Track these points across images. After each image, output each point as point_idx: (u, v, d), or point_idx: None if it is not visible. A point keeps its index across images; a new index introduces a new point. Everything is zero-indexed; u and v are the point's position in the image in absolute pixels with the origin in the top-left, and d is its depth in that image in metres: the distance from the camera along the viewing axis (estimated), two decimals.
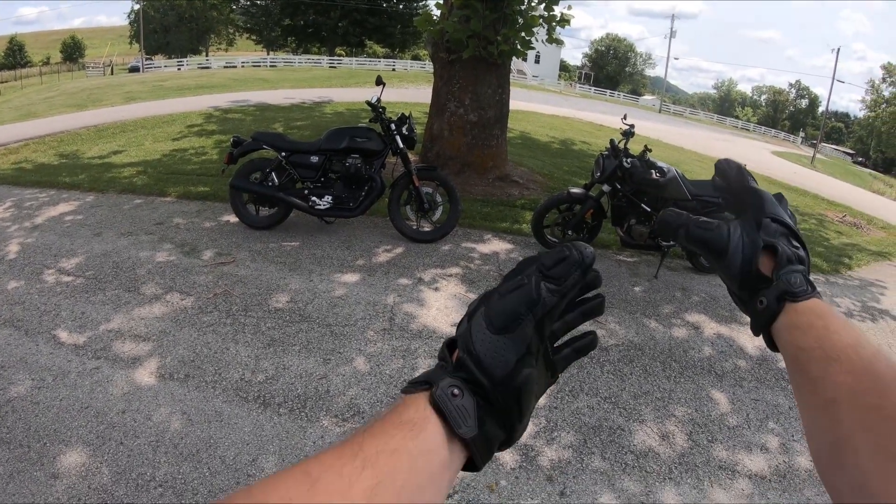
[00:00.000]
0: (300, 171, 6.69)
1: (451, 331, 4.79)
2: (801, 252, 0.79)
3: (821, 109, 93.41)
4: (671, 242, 6.45)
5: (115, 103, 22.21)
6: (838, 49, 57.64)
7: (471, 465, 0.58)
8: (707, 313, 5.89)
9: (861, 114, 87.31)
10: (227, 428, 3.62)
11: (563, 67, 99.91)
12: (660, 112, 59.95)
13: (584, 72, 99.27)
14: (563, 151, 15.08)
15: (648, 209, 6.51)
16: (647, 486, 3.46)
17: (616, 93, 78.13)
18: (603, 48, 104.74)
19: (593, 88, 77.20)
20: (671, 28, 68.23)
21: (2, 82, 54.43)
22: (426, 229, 6.97)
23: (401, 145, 6.68)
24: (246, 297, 5.29)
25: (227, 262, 6.02)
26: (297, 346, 4.54)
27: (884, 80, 78.98)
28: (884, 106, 77.14)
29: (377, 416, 0.54)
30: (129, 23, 73.96)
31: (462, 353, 0.60)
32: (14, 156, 12.25)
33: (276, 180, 6.66)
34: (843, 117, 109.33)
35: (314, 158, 6.66)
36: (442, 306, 5.36)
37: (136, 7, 67.23)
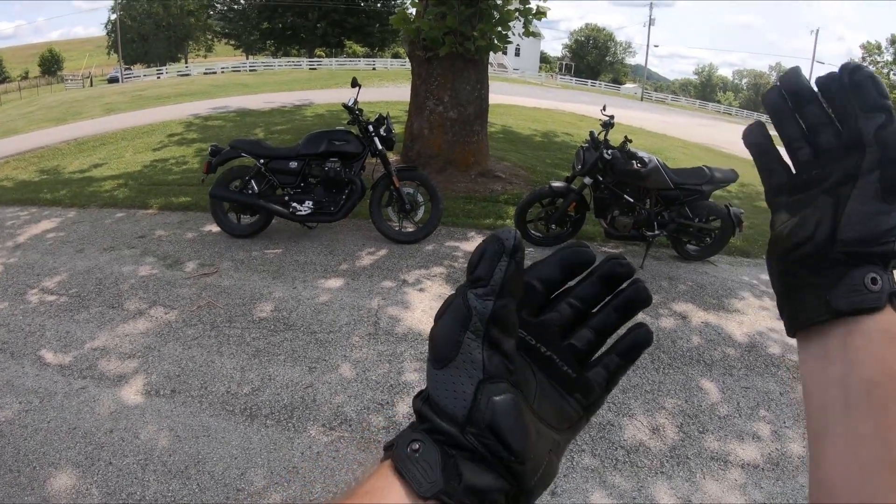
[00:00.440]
0: (280, 178, 6.66)
1: None
2: None
3: None
4: (656, 232, 6.47)
5: (95, 115, 22.08)
6: (817, 30, 58.20)
7: None
8: (694, 302, 5.89)
9: None
10: (215, 442, 3.60)
11: (544, 59, 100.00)
12: (642, 100, 60.09)
13: (564, 63, 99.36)
14: (546, 144, 15.06)
15: (631, 200, 6.51)
16: (639, 481, 3.46)
17: (597, 82, 78.21)
18: (583, 38, 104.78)
19: (574, 79, 77.29)
20: (650, 16, 68.45)
21: None
22: (409, 230, 6.95)
23: (379, 146, 6.65)
24: (230, 307, 5.26)
25: (210, 272, 5.99)
26: (282, 356, 4.52)
27: (863, 59, 79.41)
28: None
29: (348, 489, 0.49)
30: (107, 33, 73.53)
31: (419, 403, 0.50)
32: None
33: (256, 188, 6.63)
34: None
35: (293, 164, 6.64)
36: (427, 307, 5.34)
37: (113, 17, 66.93)
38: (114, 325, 5.01)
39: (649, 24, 68.15)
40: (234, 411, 3.89)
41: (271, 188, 6.71)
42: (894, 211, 0.52)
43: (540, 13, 9.32)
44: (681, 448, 3.76)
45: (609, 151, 6.40)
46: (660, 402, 4.23)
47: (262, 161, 6.62)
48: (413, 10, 9.57)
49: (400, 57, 64.75)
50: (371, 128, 6.67)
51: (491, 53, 9.42)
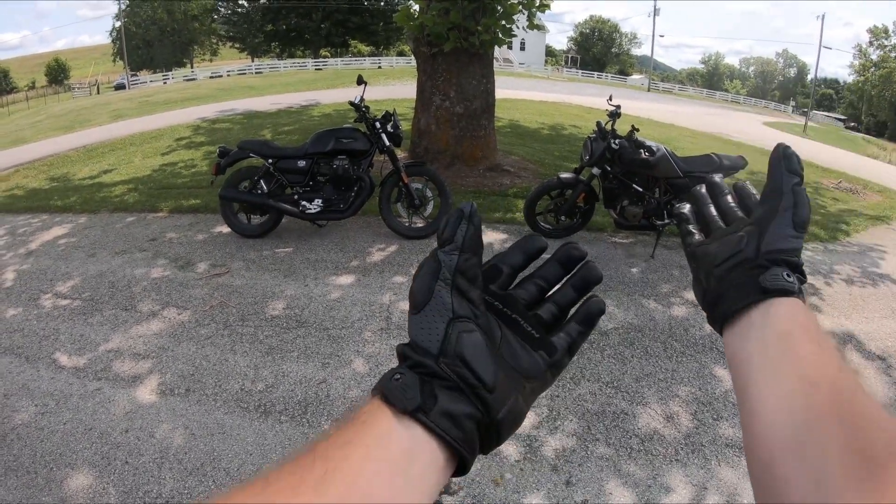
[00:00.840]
0: (288, 177, 6.67)
1: None
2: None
3: (810, 77, 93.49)
4: (666, 221, 6.45)
5: (103, 122, 22.17)
6: (823, 16, 57.91)
7: (461, 462, 0.53)
8: None
9: (850, 79, 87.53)
10: (230, 440, 3.62)
11: (550, 53, 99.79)
12: (648, 90, 59.88)
13: (570, 56, 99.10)
14: (554, 137, 15.03)
15: (640, 189, 6.50)
16: (654, 469, 3.45)
17: (604, 74, 78.06)
18: (588, 31, 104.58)
19: (580, 72, 77.03)
20: (654, 6, 68.11)
21: None
22: (418, 225, 6.96)
23: (387, 143, 6.64)
24: (242, 306, 5.28)
25: (222, 273, 6.01)
26: (295, 353, 4.54)
27: (871, 43, 79.03)
28: (872, 69, 77.20)
29: (342, 418, 0.53)
30: (112, 41, 73.90)
31: (402, 347, 0.58)
32: (5, 183, 12.21)
33: (266, 187, 6.65)
34: (833, 83, 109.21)
35: (301, 163, 6.64)
36: None
37: (118, 24, 67.16)
38: (127, 326, 5.04)
39: (654, 14, 67.90)
40: (248, 408, 3.91)
41: (280, 188, 6.72)
42: (800, 238, 0.67)
43: (543, 5, 9.30)
44: (695, 436, 3.76)
45: (617, 141, 6.38)
46: (673, 390, 4.23)
47: (270, 161, 6.63)
48: (416, 7, 9.55)
49: (405, 55, 64.71)
50: (378, 124, 6.67)
51: (496, 48, 9.41)
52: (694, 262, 0.76)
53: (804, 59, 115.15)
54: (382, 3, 66.49)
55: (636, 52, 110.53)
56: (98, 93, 51.42)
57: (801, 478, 0.49)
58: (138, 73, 65.00)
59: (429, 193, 6.87)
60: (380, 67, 53.80)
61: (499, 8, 8.81)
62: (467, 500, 3.21)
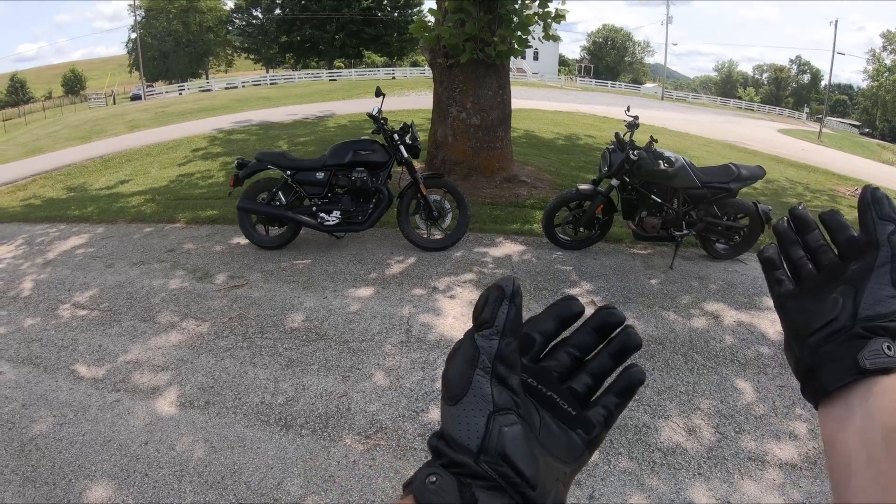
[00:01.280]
0: (307, 189, 6.68)
1: None
2: None
3: (823, 83, 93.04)
4: (684, 232, 6.43)
5: (120, 133, 22.34)
6: (836, 21, 57.50)
7: None
8: (725, 301, 5.84)
9: (864, 84, 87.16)
10: (251, 453, 3.61)
11: (563, 62, 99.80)
12: (662, 99, 59.85)
13: (583, 65, 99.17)
14: (569, 147, 15.03)
15: (659, 200, 6.48)
16: (677, 483, 3.42)
17: (617, 83, 77.99)
18: (601, 39, 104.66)
19: (594, 81, 77.07)
20: (667, 14, 68.07)
21: (6, 120, 54.82)
22: (437, 237, 6.95)
23: (405, 155, 6.65)
24: (261, 318, 5.28)
25: (241, 284, 6.01)
26: (315, 366, 4.53)
27: (884, 48, 78.73)
28: (886, 74, 76.91)
29: None
30: (128, 52, 74.48)
31: (434, 441, 0.53)
32: (22, 192, 12.32)
33: (284, 199, 6.66)
34: (847, 89, 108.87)
35: (320, 175, 6.65)
36: (458, 314, 5.33)
37: (134, 36, 67.72)
38: (146, 338, 5.04)
39: (667, 23, 67.87)
40: (268, 421, 3.90)
41: (298, 199, 6.73)
42: None
43: (559, 16, 9.30)
44: (717, 449, 3.73)
45: (635, 152, 6.36)
46: (695, 402, 4.19)
47: (288, 173, 6.64)
48: (432, 18, 9.57)
49: (419, 65, 64.95)
50: (396, 136, 6.68)
51: (511, 59, 9.41)
52: (785, 319, 0.71)
53: (817, 65, 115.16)
54: (396, 14, 66.76)
55: (649, 60, 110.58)
56: (114, 103, 51.83)
57: None
58: (154, 84, 65.39)
59: (447, 205, 6.87)
60: (394, 78, 53.98)
61: (515, 19, 8.81)
62: None
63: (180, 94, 52.51)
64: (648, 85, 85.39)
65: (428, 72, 9.91)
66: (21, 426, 3.96)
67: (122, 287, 6.10)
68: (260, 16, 71.38)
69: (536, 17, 9.06)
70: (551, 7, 9.24)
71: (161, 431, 3.84)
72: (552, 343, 0.61)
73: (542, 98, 31.89)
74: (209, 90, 52.62)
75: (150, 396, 4.22)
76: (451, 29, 8.47)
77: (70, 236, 7.96)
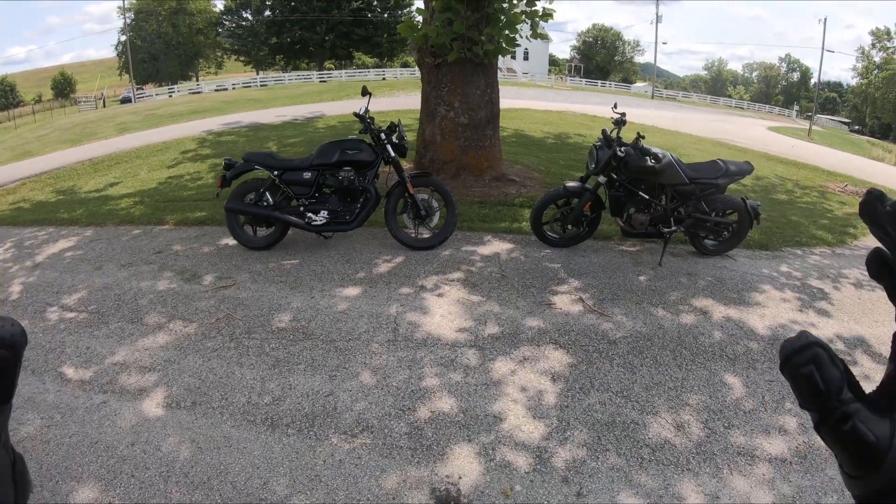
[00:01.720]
0: (294, 189, 6.66)
1: (456, 337, 4.78)
2: None
3: (813, 81, 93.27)
4: (673, 228, 6.44)
5: (109, 136, 22.29)
6: (825, 19, 57.83)
7: None
8: (714, 297, 5.85)
9: (853, 82, 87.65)
10: (237, 453, 3.60)
11: (553, 62, 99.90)
12: (652, 98, 59.94)
13: (573, 64, 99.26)
14: (559, 146, 15.04)
15: (647, 197, 6.49)
16: (665, 479, 3.43)
17: (607, 82, 78.06)
18: (590, 39, 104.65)
19: (584, 80, 77.17)
20: (657, 13, 68.16)
21: None
22: (425, 236, 6.94)
23: (392, 154, 6.65)
24: (248, 319, 5.27)
25: (228, 285, 5.99)
26: (301, 365, 4.52)
27: (873, 45, 79.10)
28: (875, 72, 77.24)
29: None
30: (118, 54, 74.16)
31: None
32: (12, 196, 12.27)
33: (271, 199, 6.65)
34: (836, 87, 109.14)
35: (307, 174, 6.64)
36: (445, 312, 5.33)
37: (123, 38, 67.51)
38: (133, 339, 5.03)
39: (657, 22, 67.96)
40: (255, 421, 3.89)
41: (286, 200, 6.72)
42: None
43: (546, 15, 9.29)
44: (707, 444, 3.73)
45: (622, 149, 6.37)
46: (684, 398, 4.20)
47: (276, 173, 6.63)
48: (420, 18, 9.56)
49: (409, 66, 65.00)
50: (383, 135, 6.67)
51: (500, 58, 9.40)
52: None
53: (807, 63, 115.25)
54: (386, 15, 66.76)
55: (639, 59, 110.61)
56: (104, 106, 51.65)
57: None
58: (144, 87, 65.21)
59: (434, 204, 6.86)
60: (384, 79, 54.03)
61: (502, 18, 8.82)
62: None
63: (170, 96, 52.33)
64: (639, 84, 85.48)
65: (418, 72, 9.90)
66: (9, 429, 3.93)
67: (109, 289, 6.08)
68: (250, 18, 71.40)
69: (524, 16, 9.07)
70: (539, 6, 9.25)
71: (148, 432, 3.83)
72: None
73: (532, 98, 31.93)
74: (199, 92, 52.51)
75: (137, 398, 4.21)
76: (439, 28, 8.46)
77: (59, 239, 7.92)
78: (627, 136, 6.63)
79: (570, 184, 6.73)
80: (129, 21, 67.06)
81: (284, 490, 3.30)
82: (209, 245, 7.22)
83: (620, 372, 4.48)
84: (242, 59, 74.91)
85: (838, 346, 5.08)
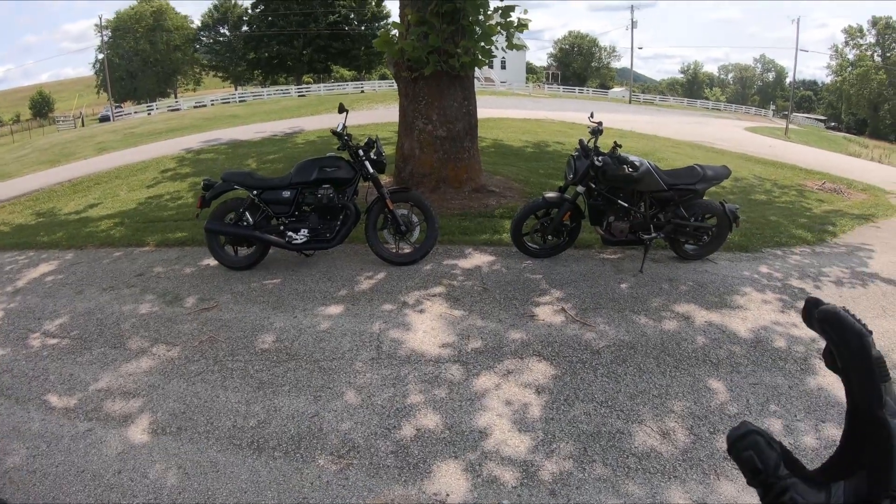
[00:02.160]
0: (274, 208, 6.66)
1: (440, 352, 4.78)
2: None
3: (788, 80, 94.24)
4: (653, 234, 6.48)
5: (88, 155, 22.15)
6: (798, 19, 58.48)
7: None
8: (696, 302, 5.88)
9: (828, 79, 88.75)
10: (224, 478, 3.58)
11: (530, 70, 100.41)
12: (630, 103, 60.36)
13: (550, 72, 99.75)
14: (538, 155, 15.09)
15: (626, 204, 6.53)
16: (653, 487, 3.44)
17: (585, 89, 78.54)
18: (567, 46, 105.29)
19: (562, 87, 77.53)
20: (632, 19, 68.54)
21: None
22: (406, 251, 6.95)
23: (370, 170, 6.65)
24: (232, 341, 5.25)
25: (211, 307, 5.98)
26: (286, 387, 4.51)
27: (846, 43, 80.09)
28: (850, 69, 78.19)
29: None
30: (95, 72, 73.93)
31: None
32: None
33: (251, 219, 6.64)
34: (811, 85, 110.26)
35: (286, 193, 6.64)
36: (428, 328, 5.34)
37: (101, 56, 67.25)
38: (117, 365, 5.00)
39: (632, 27, 68.30)
40: (241, 445, 3.88)
41: (266, 219, 6.71)
42: None
43: (521, 25, 9.32)
44: (693, 451, 3.75)
45: (600, 158, 6.41)
46: (668, 405, 4.22)
47: (255, 192, 6.63)
48: (396, 32, 9.59)
49: (387, 78, 65.06)
50: (361, 152, 6.67)
51: (476, 68, 9.43)
52: None
53: (782, 63, 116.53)
54: (363, 28, 66.89)
55: (616, 65, 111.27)
56: (83, 125, 51.37)
57: None
58: (122, 105, 65.06)
59: (414, 219, 6.88)
60: (363, 91, 54.07)
61: (477, 29, 8.84)
62: None
63: (149, 114, 52.14)
64: (616, 89, 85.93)
65: (396, 85, 9.89)
66: None
67: (91, 314, 6.04)
68: (227, 33, 71.37)
69: (499, 28, 9.09)
70: (513, 16, 9.28)
71: (134, 460, 3.80)
72: None
73: (510, 107, 32.03)
74: (178, 109, 52.30)
75: (122, 424, 4.19)
76: (415, 42, 8.49)
77: (39, 263, 7.87)
78: (606, 143, 6.67)
79: (549, 194, 6.76)
80: (106, 38, 66.84)
81: None
82: (190, 266, 7.20)
83: (604, 381, 4.50)
84: (220, 74, 74.89)
85: (821, 346, 5.08)
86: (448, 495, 3.37)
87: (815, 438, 3.87)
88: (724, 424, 4.00)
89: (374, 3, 69.28)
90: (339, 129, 6.69)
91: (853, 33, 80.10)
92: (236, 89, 71.24)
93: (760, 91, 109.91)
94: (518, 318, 5.51)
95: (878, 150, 38.48)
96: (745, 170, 15.35)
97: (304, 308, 5.83)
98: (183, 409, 4.31)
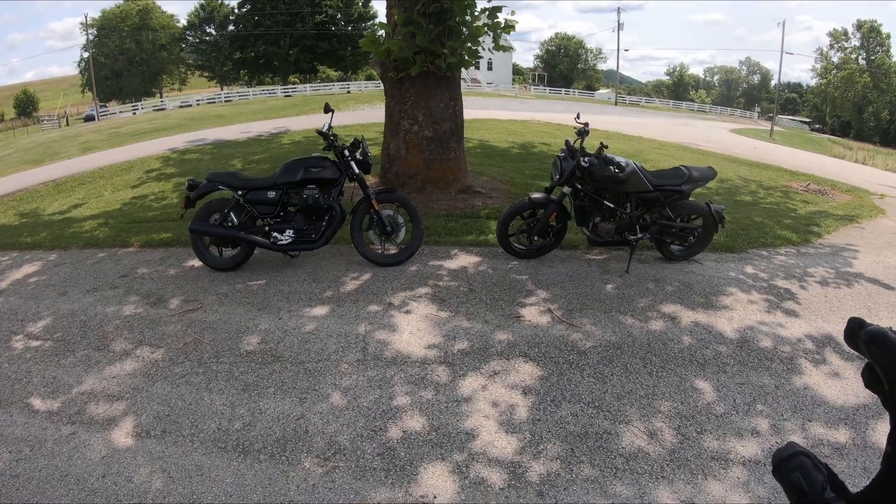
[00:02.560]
0: (259, 208, 6.63)
1: (426, 354, 4.76)
2: None
3: (773, 82, 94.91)
4: (639, 235, 6.49)
5: (73, 155, 22.05)
6: (784, 22, 58.79)
7: None
8: (682, 302, 5.90)
9: (813, 82, 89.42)
10: (209, 481, 3.55)
11: (517, 71, 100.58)
12: (616, 104, 60.55)
13: (537, 73, 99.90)
14: (524, 155, 15.11)
15: (611, 205, 6.54)
16: (640, 487, 3.44)
17: (571, 90, 78.74)
18: (553, 48, 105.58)
19: (548, 89, 77.69)
20: (618, 21, 68.77)
21: None
22: (392, 252, 6.93)
23: (356, 170, 6.63)
24: (216, 342, 5.21)
25: (195, 308, 5.93)
26: (271, 389, 4.48)
27: (831, 46, 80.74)
28: (834, 72, 78.83)
29: None
30: (80, 71, 73.48)
31: None
32: None
33: (236, 220, 6.60)
34: (796, 87, 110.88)
35: (271, 194, 6.60)
36: (414, 329, 5.32)
37: (86, 55, 66.84)
38: (100, 367, 4.95)
39: (618, 29, 68.53)
40: (226, 448, 3.85)
41: (251, 219, 6.67)
42: None
43: (508, 26, 9.34)
44: (680, 450, 3.75)
45: (586, 159, 6.41)
46: (655, 406, 4.22)
47: (240, 192, 6.59)
48: (382, 32, 9.57)
49: (374, 78, 65.08)
50: (347, 152, 6.65)
51: (463, 69, 9.43)
52: None
53: (767, 66, 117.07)
54: (350, 28, 66.83)
55: (602, 66, 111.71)
56: (67, 125, 51.13)
57: None
58: (107, 104, 64.68)
59: (400, 220, 6.86)
60: (349, 92, 54.04)
61: (464, 30, 8.84)
62: None
63: (134, 113, 51.95)
64: (602, 91, 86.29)
65: (382, 86, 9.88)
66: None
67: (75, 315, 5.99)
68: (213, 33, 71.15)
69: (486, 28, 9.10)
70: (500, 17, 9.28)
71: (118, 463, 3.76)
72: None
73: (497, 108, 32.09)
74: (163, 109, 52.11)
75: (106, 428, 4.14)
76: (401, 42, 8.48)
77: (23, 264, 7.79)
78: (592, 144, 6.67)
79: (536, 195, 6.76)
80: (91, 37, 66.49)
81: None
82: (175, 267, 7.15)
83: (591, 382, 4.49)
84: (206, 74, 74.65)
85: (807, 346, 5.14)
86: (435, 497, 3.36)
87: (801, 437, 3.88)
88: (712, 424, 4.02)
89: (360, 4, 69.40)
90: (324, 130, 6.66)
91: (838, 36, 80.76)
92: (222, 89, 71.03)
93: (746, 93, 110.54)
94: (504, 319, 5.51)
95: (862, 152, 38.93)
96: (730, 171, 15.41)
97: (289, 309, 5.80)
98: (167, 411, 4.28)
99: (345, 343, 5.09)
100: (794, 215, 10.23)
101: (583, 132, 6.66)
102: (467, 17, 8.97)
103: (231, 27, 69.46)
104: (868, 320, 0.68)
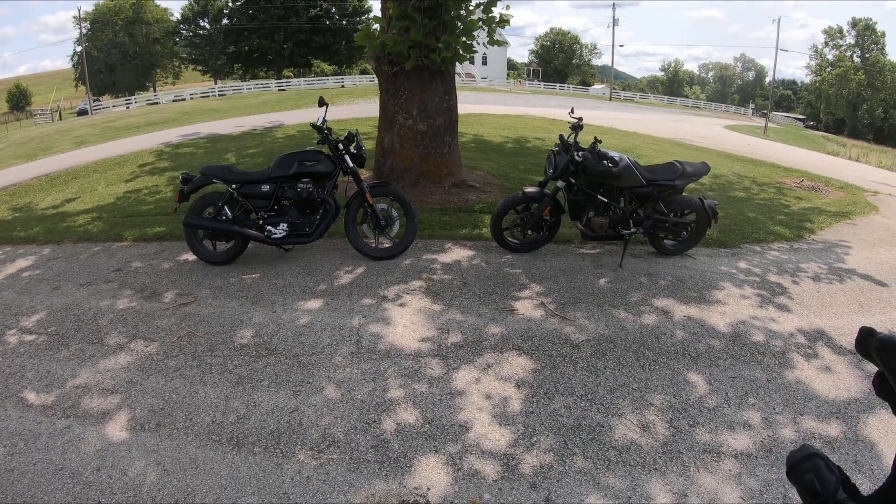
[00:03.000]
0: (253, 202, 6.62)
1: (419, 347, 4.77)
2: None
3: (768, 79, 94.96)
4: (632, 230, 6.50)
5: (66, 149, 21.99)
6: (779, 19, 58.96)
7: None
8: (675, 297, 5.92)
9: (808, 79, 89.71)
10: (204, 474, 3.56)
11: (511, 66, 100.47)
12: (610, 100, 60.61)
13: (532, 68, 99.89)
14: (518, 150, 15.12)
15: (605, 200, 6.55)
16: (633, 480, 3.45)
17: (566, 85, 78.71)
18: (548, 43, 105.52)
19: (543, 84, 77.62)
20: (613, 16, 68.96)
21: None
22: (385, 246, 6.95)
23: (350, 164, 6.63)
24: (210, 336, 5.21)
25: (189, 302, 5.93)
26: (265, 382, 4.48)
27: (826, 44, 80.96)
28: (829, 69, 79.04)
29: None
30: (74, 65, 73.17)
31: None
32: None
33: (230, 213, 6.59)
34: (791, 84, 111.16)
35: (265, 187, 6.59)
36: (408, 322, 5.33)
37: (79, 49, 66.57)
38: (94, 361, 4.94)
39: (613, 25, 68.61)
40: (220, 441, 3.85)
41: (245, 213, 6.66)
42: None
43: (503, 21, 9.34)
44: (672, 443, 3.77)
45: (580, 153, 6.42)
46: (648, 399, 4.24)
47: (233, 186, 6.58)
48: (377, 26, 9.56)
49: (368, 73, 64.86)
50: (341, 146, 6.65)
51: (458, 64, 9.42)
52: None
53: (762, 62, 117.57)
54: (344, 22, 66.69)
55: (597, 62, 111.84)
56: (60, 119, 50.99)
57: None
58: (101, 98, 64.49)
59: (394, 213, 6.87)
60: (343, 86, 53.85)
61: (459, 25, 8.83)
62: None
63: (128, 107, 51.81)
64: (597, 86, 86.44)
65: (376, 80, 9.86)
66: None
67: (69, 309, 5.98)
68: (207, 26, 70.92)
69: (480, 23, 9.09)
70: (495, 12, 9.28)
71: (113, 457, 3.76)
72: None
73: (491, 102, 32.10)
74: (157, 103, 52.01)
75: (100, 421, 4.14)
76: (396, 36, 8.47)
77: (16, 258, 7.77)
78: (586, 139, 6.68)
79: (529, 189, 6.78)
80: (85, 31, 66.18)
81: None
82: (169, 261, 7.14)
83: (584, 375, 4.51)
84: (200, 68, 74.42)
85: (799, 340, 5.16)
86: (429, 489, 3.37)
87: (793, 431, 3.91)
88: (704, 417, 4.04)
89: None
90: (318, 123, 6.65)
91: (833, 34, 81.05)
92: (216, 83, 70.93)
93: (740, 90, 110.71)
94: (498, 313, 5.52)
95: (856, 150, 39.06)
96: (724, 167, 15.43)
97: (283, 303, 5.80)
98: (161, 405, 4.28)
99: (339, 336, 5.09)
100: (788, 211, 10.25)
101: (577, 127, 6.66)
102: (462, 12, 8.95)
103: (225, 21, 69.27)
104: (860, 316, 0.70)
